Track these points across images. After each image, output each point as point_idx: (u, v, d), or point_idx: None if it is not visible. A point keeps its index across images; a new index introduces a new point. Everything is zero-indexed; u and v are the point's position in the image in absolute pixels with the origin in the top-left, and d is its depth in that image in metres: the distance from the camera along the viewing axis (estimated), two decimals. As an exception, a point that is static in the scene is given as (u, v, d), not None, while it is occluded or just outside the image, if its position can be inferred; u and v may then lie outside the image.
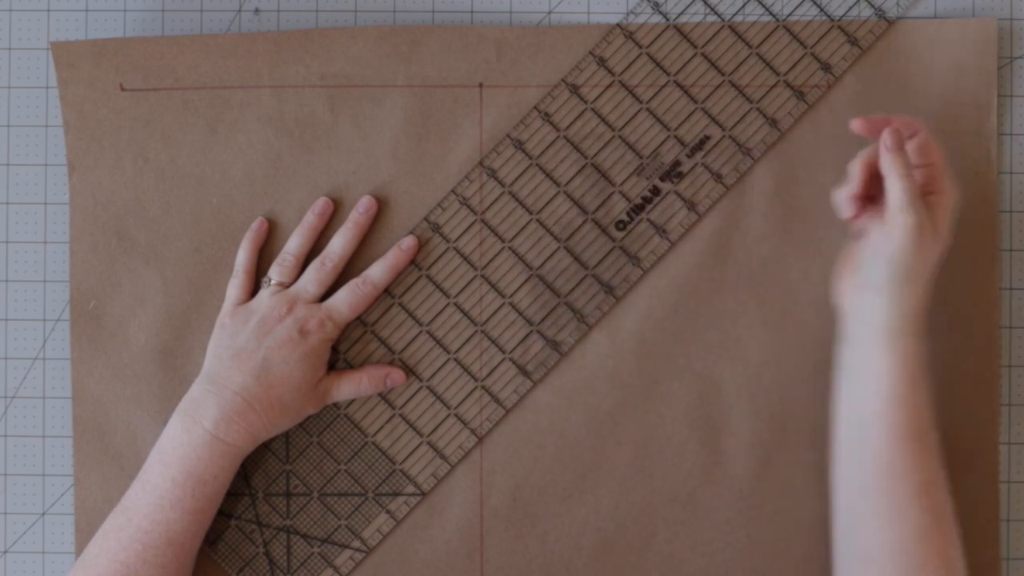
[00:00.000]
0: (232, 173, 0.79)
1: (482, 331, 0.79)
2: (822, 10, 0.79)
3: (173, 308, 0.79)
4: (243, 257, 0.78)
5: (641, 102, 0.79)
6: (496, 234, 0.79)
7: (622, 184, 0.79)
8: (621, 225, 0.79)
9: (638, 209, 0.79)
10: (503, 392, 0.79)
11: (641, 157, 0.79)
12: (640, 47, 0.79)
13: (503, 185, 0.79)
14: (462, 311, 0.79)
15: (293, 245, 0.78)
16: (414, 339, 0.79)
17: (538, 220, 0.79)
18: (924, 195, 0.70)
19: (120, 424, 0.79)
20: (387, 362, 0.79)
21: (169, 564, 0.71)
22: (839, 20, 0.79)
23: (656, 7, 0.80)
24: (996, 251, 0.79)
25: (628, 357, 0.79)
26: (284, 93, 0.79)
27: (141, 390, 0.79)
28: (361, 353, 0.79)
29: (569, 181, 0.79)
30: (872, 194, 0.72)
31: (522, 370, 0.79)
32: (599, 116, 0.79)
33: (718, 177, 0.79)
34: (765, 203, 0.79)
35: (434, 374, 0.79)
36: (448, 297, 0.79)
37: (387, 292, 0.79)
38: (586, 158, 0.79)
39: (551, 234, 0.79)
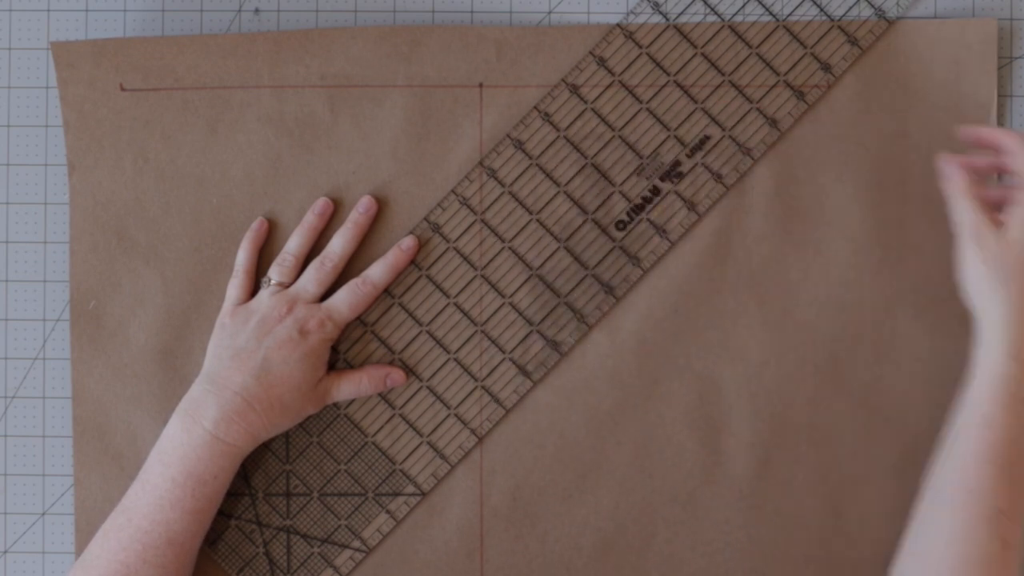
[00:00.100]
0: (232, 173, 0.79)
1: (482, 331, 0.79)
2: (822, 10, 0.79)
3: (173, 308, 0.79)
4: (243, 257, 0.78)
5: (641, 102, 0.79)
6: (496, 234, 0.79)
7: (622, 184, 0.79)
8: (621, 225, 0.79)
9: (638, 209, 0.79)
10: (503, 392, 0.79)
11: (641, 157, 0.79)
12: (640, 47, 0.79)
13: (503, 185, 0.79)
14: (462, 311, 0.79)
15: (293, 245, 0.78)
16: (414, 339, 0.79)
17: (538, 220, 0.79)
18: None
19: (120, 424, 0.79)
20: (387, 362, 0.79)
21: (169, 564, 0.71)
22: (839, 20, 0.79)
23: (656, 7, 0.80)
24: (996, 251, 0.79)
25: (628, 357, 0.79)
26: (284, 93, 0.79)
27: (141, 390, 0.79)
28: (361, 353, 0.79)
29: (569, 181, 0.79)
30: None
31: (522, 370, 0.79)
32: (599, 116, 0.79)
33: (718, 177, 0.79)
34: (765, 203, 0.79)
35: (434, 374, 0.79)
36: (448, 297, 0.79)
37: (387, 292, 0.79)
38: (586, 158, 0.79)
39: (551, 234, 0.79)
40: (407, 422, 0.79)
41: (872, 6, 0.79)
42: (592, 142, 0.79)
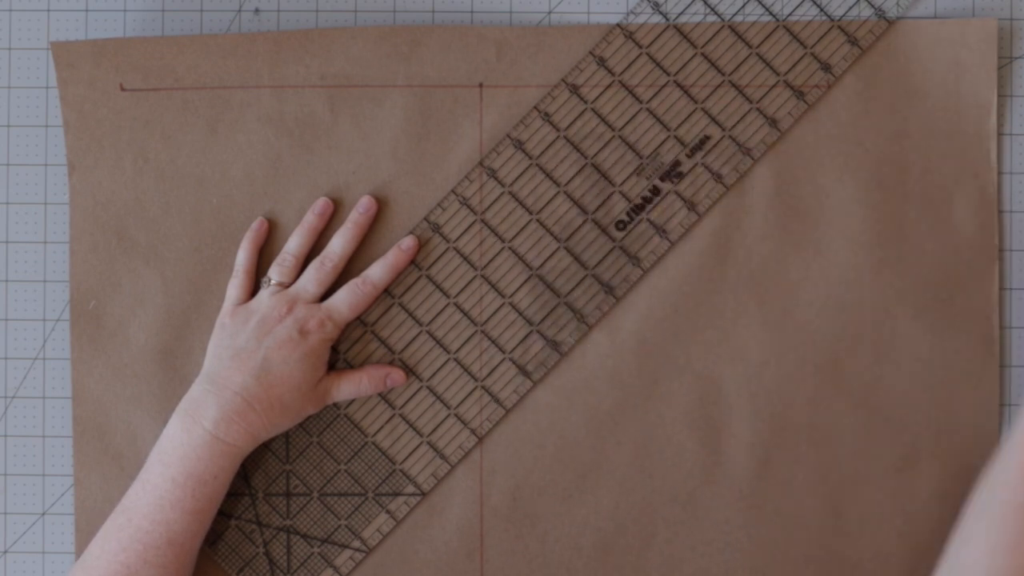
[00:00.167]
0: (232, 173, 0.79)
1: (482, 331, 0.79)
2: (822, 10, 0.79)
3: (173, 308, 0.79)
4: (243, 257, 0.78)
5: (641, 102, 0.79)
6: (496, 234, 0.79)
7: (622, 184, 0.79)
8: (621, 225, 0.79)
9: (638, 209, 0.79)
10: (503, 392, 0.79)
11: (641, 157, 0.79)
12: (640, 47, 0.79)
13: (503, 185, 0.79)
14: (462, 311, 0.79)
15: (293, 245, 0.78)
16: (414, 339, 0.79)
17: (538, 220, 0.79)
18: None
19: (120, 424, 0.79)
20: (387, 362, 0.79)
21: (169, 564, 0.71)
22: (839, 20, 0.79)
23: (656, 7, 0.80)
24: (996, 251, 0.79)
25: (628, 357, 0.79)
26: (284, 93, 0.79)
27: (141, 390, 0.79)
28: (361, 353, 0.79)
29: (569, 181, 0.79)
30: None
31: (522, 370, 0.79)
32: (599, 116, 0.79)
33: (718, 177, 0.79)
34: (765, 203, 0.79)
35: (434, 374, 0.79)
36: (448, 297, 0.79)
37: (387, 292, 0.79)
38: (586, 158, 0.79)
39: (551, 234, 0.79)
40: (407, 422, 0.79)
41: (872, 6, 0.79)
42: (592, 142, 0.79)
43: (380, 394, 0.79)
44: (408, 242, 0.78)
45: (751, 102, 0.79)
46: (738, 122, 0.79)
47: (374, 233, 0.79)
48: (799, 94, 0.79)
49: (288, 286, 0.77)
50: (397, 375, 0.78)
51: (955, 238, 0.79)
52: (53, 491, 0.81)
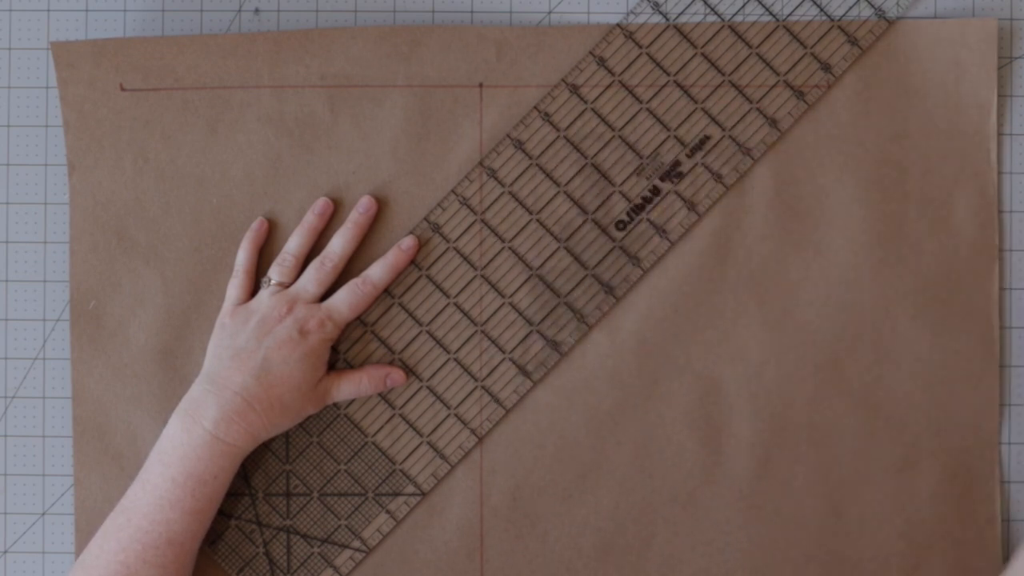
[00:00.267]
0: (232, 173, 0.79)
1: (482, 331, 0.79)
2: (822, 10, 0.79)
3: (173, 308, 0.79)
4: (243, 257, 0.78)
5: (641, 102, 0.79)
6: (496, 234, 0.79)
7: (622, 184, 0.79)
8: (621, 225, 0.79)
9: (638, 209, 0.79)
10: (503, 392, 0.79)
11: (641, 157, 0.79)
12: (640, 47, 0.79)
13: (503, 185, 0.79)
14: (462, 311, 0.79)
15: (293, 245, 0.78)
16: (414, 339, 0.79)
17: (538, 220, 0.79)
18: None
19: (120, 424, 0.79)
20: (387, 362, 0.79)
21: (169, 564, 0.71)
22: (839, 20, 0.79)
23: (656, 7, 0.80)
24: (996, 251, 0.79)
25: (628, 357, 0.79)
26: (284, 93, 0.79)
27: (141, 390, 0.79)
28: (361, 353, 0.79)
29: (569, 181, 0.79)
30: None
31: (522, 370, 0.79)
32: (599, 116, 0.79)
33: (718, 177, 0.79)
34: (765, 203, 0.79)
35: (434, 374, 0.79)
36: (448, 297, 0.79)
37: (387, 292, 0.79)
38: (586, 158, 0.79)
39: (551, 234, 0.79)
40: (407, 422, 0.79)
41: (872, 6, 0.79)
42: (592, 142, 0.79)
43: (380, 394, 0.79)
44: (408, 242, 0.78)
45: (751, 102, 0.79)
46: (738, 122, 0.79)
47: (374, 233, 0.79)
48: (799, 94, 0.79)
49: (288, 286, 0.77)
50: (397, 375, 0.78)
51: (955, 238, 0.79)
52: (53, 491, 0.81)
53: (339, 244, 0.78)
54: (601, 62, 0.79)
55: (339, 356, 0.79)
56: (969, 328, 0.79)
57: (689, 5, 0.80)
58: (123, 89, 0.79)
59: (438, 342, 0.79)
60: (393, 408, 0.79)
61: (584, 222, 0.79)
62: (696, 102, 0.79)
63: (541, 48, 0.79)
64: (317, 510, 0.79)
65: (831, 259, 0.79)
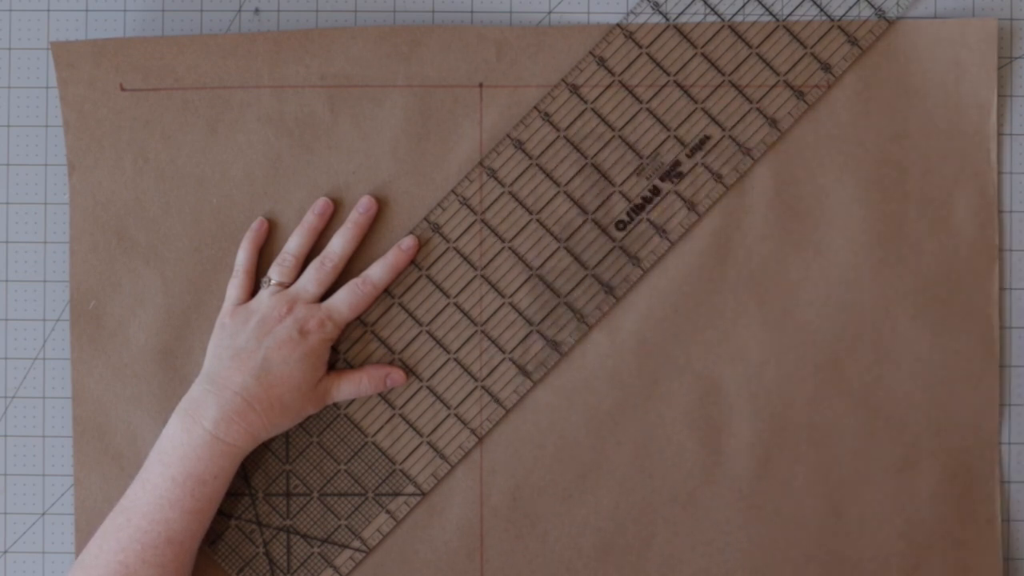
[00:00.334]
0: (232, 173, 0.79)
1: (482, 331, 0.79)
2: (822, 10, 0.79)
3: (173, 308, 0.79)
4: (243, 257, 0.78)
5: (641, 102, 0.79)
6: (496, 234, 0.79)
7: (622, 184, 0.79)
8: (621, 225, 0.79)
9: (638, 209, 0.79)
10: (503, 392, 0.79)
11: (641, 157, 0.79)
12: (640, 47, 0.79)
13: (503, 185, 0.79)
14: (462, 311, 0.79)
15: (293, 245, 0.78)
16: (414, 339, 0.79)
17: (538, 220, 0.79)
18: None
19: (120, 424, 0.79)
20: (387, 362, 0.79)
21: (169, 564, 0.71)
22: (839, 20, 0.79)
23: (656, 7, 0.80)
24: (996, 251, 0.79)
25: (628, 357, 0.79)
26: (284, 93, 0.79)
27: (141, 390, 0.79)
28: (361, 353, 0.79)
29: (569, 181, 0.79)
30: None
31: (522, 370, 0.79)
32: (599, 116, 0.79)
33: (718, 177, 0.79)
34: (765, 203, 0.79)
35: (434, 374, 0.79)
36: (448, 297, 0.79)
37: (387, 292, 0.79)
38: (586, 158, 0.79)
39: (551, 234, 0.79)
40: (407, 422, 0.79)
41: (872, 6, 0.79)
42: (592, 142, 0.79)
43: (380, 394, 0.79)
44: (408, 242, 0.78)
45: (751, 102, 0.79)
46: (738, 122, 0.79)
47: (374, 233, 0.79)
48: (799, 94, 0.79)
49: (288, 286, 0.77)
50: (397, 375, 0.78)
51: (955, 238, 0.79)
52: (53, 491, 0.81)
53: (339, 244, 0.78)
54: (601, 62, 0.79)
55: (339, 356, 0.79)
56: (969, 328, 0.79)
57: (689, 5, 0.80)
58: (123, 89, 0.79)
59: (438, 342, 0.79)
60: (393, 408, 0.79)
61: (584, 222, 0.79)
62: (696, 102, 0.79)
63: (541, 48, 0.79)
64: (317, 510, 0.79)
65: (831, 259, 0.79)
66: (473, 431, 0.79)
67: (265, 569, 0.78)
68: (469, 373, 0.79)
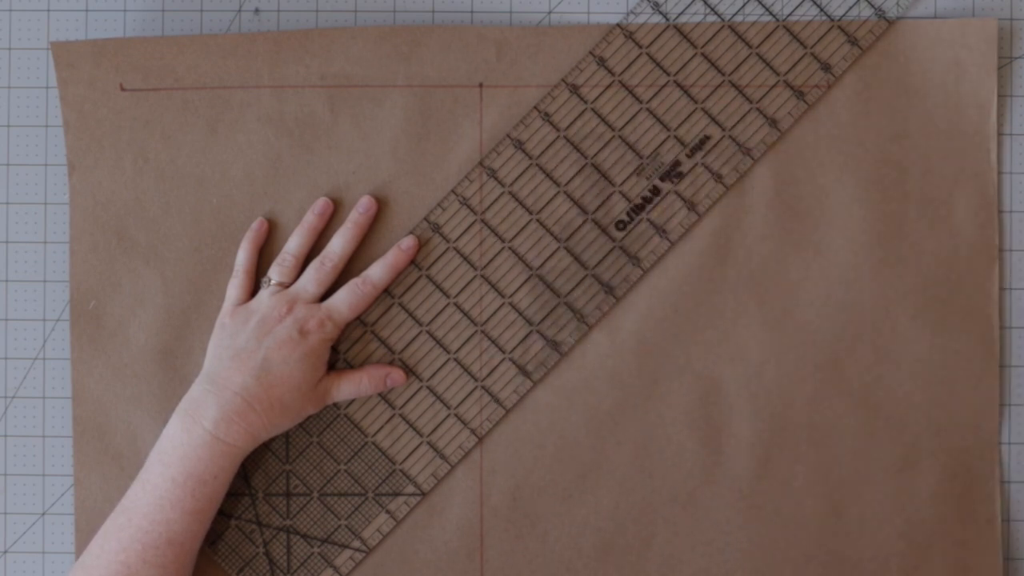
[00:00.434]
0: (232, 173, 0.79)
1: (482, 331, 0.79)
2: (822, 10, 0.79)
3: (173, 308, 0.79)
4: (243, 257, 0.78)
5: (641, 102, 0.79)
6: (496, 234, 0.79)
7: (622, 184, 0.79)
8: (621, 225, 0.79)
9: (638, 209, 0.79)
10: (503, 392, 0.79)
11: (641, 157, 0.79)
12: (640, 47, 0.79)
13: (503, 185, 0.79)
14: (462, 311, 0.79)
15: (293, 245, 0.78)
16: (414, 339, 0.79)
17: (538, 220, 0.79)
18: None
19: (120, 424, 0.79)
20: (387, 362, 0.79)
21: (169, 564, 0.71)
22: (839, 20, 0.79)
23: (656, 7, 0.80)
24: (996, 251, 0.79)
25: (628, 357, 0.79)
26: (284, 93, 0.79)
27: (141, 390, 0.79)
28: (361, 353, 0.79)
29: (569, 181, 0.79)
30: None
31: (522, 370, 0.79)
32: (599, 116, 0.79)
33: (718, 177, 0.79)
34: (765, 203, 0.79)
35: (434, 374, 0.79)
36: (448, 297, 0.79)
37: (387, 292, 0.79)
38: (586, 158, 0.79)
39: (551, 234, 0.79)
40: (407, 422, 0.79)
41: (872, 6, 0.79)
42: (592, 142, 0.79)
43: (380, 394, 0.79)
44: (408, 242, 0.78)
45: (751, 102, 0.79)
46: (738, 122, 0.79)
47: (374, 233, 0.79)
48: (799, 94, 0.79)
49: (288, 286, 0.77)
50: (397, 375, 0.78)
51: (955, 238, 0.79)
52: (53, 491, 0.81)
53: (339, 244, 0.78)
54: (601, 62, 0.79)
55: (339, 356, 0.79)
56: (969, 328, 0.79)
57: (689, 5, 0.80)
58: (123, 89, 0.79)
59: (438, 342, 0.79)
60: (393, 408, 0.79)
61: (584, 222, 0.79)
62: (696, 102, 0.79)
63: (541, 48, 0.79)
64: (317, 510, 0.79)
65: (831, 259, 0.79)
66: (473, 431, 0.79)
67: (265, 569, 0.78)
68: (469, 373, 0.79)
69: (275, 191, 0.79)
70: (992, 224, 0.79)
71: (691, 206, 0.79)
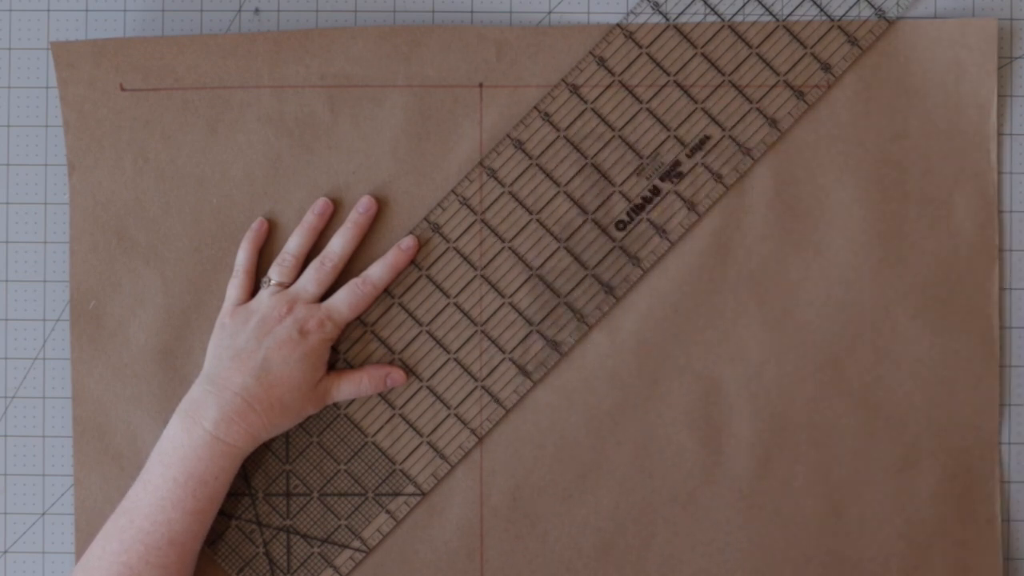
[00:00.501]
0: (232, 173, 0.79)
1: (482, 331, 0.79)
2: (822, 10, 0.79)
3: (173, 308, 0.79)
4: (243, 257, 0.78)
5: (641, 102, 0.79)
6: (496, 234, 0.79)
7: (622, 184, 0.79)
8: (621, 225, 0.79)
9: (638, 209, 0.79)
10: (503, 392, 0.79)
11: (641, 157, 0.79)
12: (640, 47, 0.79)
13: (503, 185, 0.79)
14: (462, 311, 0.79)
15: (293, 245, 0.78)
16: (414, 339, 0.79)
17: (538, 220, 0.79)
18: None
19: (120, 424, 0.79)
20: (387, 362, 0.79)
21: (171, 565, 0.71)
22: (839, 20, 0.79)
23: (656, 7, 0.80)
24: (996, 251, 0.79)
25: (628, 357, 0.79)
26: (284, 93, 0.79)
27: (141, 390, 0.79)
28: (361, 353, 0.79)
29: (569, 181, 0.79)
30: None
31: (522, 370, 0.79)
32: (599, 116, 0.79)
33: (718, 177, 0.79)
34: (765, 203, 0.79)
35: (434, 374, 0.79)
36: (448, 297, 0.79)
37: (387, 292, 0.79)
38: (586, 158, 0.79)
39: (551, 234, 0.79)
40: (407, 422, 0.79)
41: (872, 6, 0.79)
42: (592, 142, 0.79)
43: (380, 394, 0.79)
44: (408, 242, 0.78)
45: (751, 102, 0.79)
46: (738, 122, 0.79)
47: (374, 233, 0.79)
48: (799, 94, 0.79)
49: (288, 286, 0.77)
50: (397, 375, 0.78)
51: (955, 238, 0.79)
52: (53, 491, 0.81)
53: (339, 244, 0.78)
54: (601, 62, 0.79)
55: (339, 356, 0.79)
56: (969, 328, 0.79)
57: (689, 5, 0.80)
58: (123, 89, 0.79)
59: (438, 342, 0.79)
60: (393, 408, 0.79)
61: (584, 222, 0.79)
62: (696, 102, 0.79)
63: (541, 48, 0.79)
64: (317, 510, 0.79)
65: (831, 259, 0.79)
66: (473, 431, 0.79)
67: (265, 569, 0.78)
68: (469, 373, 0.79)
69: (275, 191, 0.79)
70: (992, 224, 0.79)
71: (691, 206, 0.79)
